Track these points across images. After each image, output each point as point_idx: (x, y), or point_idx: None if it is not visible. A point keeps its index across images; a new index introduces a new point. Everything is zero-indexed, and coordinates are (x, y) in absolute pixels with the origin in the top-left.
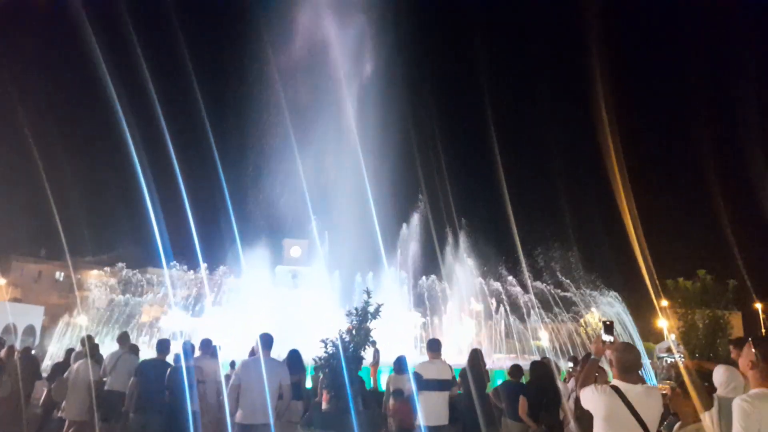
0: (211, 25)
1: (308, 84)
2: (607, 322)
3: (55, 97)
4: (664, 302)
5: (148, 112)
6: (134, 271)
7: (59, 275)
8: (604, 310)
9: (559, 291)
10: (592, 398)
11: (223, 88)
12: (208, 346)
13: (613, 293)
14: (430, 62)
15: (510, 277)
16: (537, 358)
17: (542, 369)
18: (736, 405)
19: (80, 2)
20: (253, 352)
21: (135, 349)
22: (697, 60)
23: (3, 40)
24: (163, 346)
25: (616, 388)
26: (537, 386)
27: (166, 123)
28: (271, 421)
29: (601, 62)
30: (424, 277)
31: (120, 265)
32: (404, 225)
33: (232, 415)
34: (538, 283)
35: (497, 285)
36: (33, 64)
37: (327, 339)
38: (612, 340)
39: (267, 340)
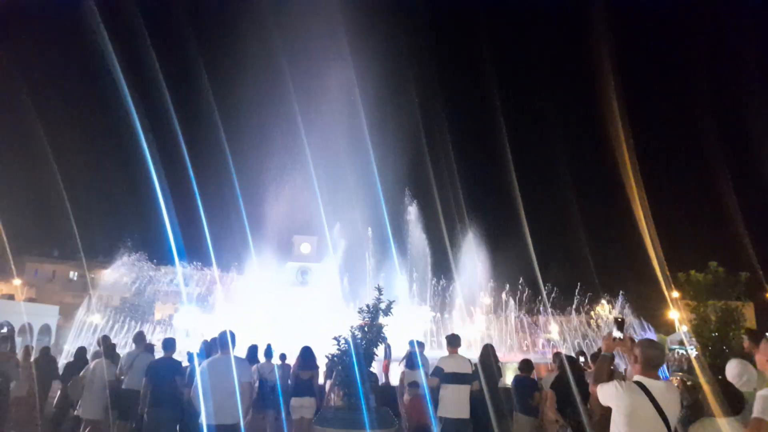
0: (223, 25)
1: (319, 82)
2: (619, 319)
3: (68, 98)
4: (675, 294)
5: (161, 112)
6: (153, 265)
7: (73, 275)
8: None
9: (569, 283)
10: (615, 394)
11: (234, 87)
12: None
13: (625, 283)
14: (439, 61)
15: (521, 270)
16: (547, 351)
17: (571, 363)
18: (761, 396)
19: (93, 1)
20: (207, 349)
21: (150, 348)
22: (707, 51)
23: (19, 41)
24: (168, 344)
25: (640, 384)
26: (566, 381)
27: (179, 121)
28: (242, 421)
29: (610, 57)
30: (431, 274)
31: (133, 256)
32: (414, 220)
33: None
34: (549, 275)
35: (507, 278)
36: (47, 64)
37: (340, 336)
38: (622, 336)
39: (225, 339)
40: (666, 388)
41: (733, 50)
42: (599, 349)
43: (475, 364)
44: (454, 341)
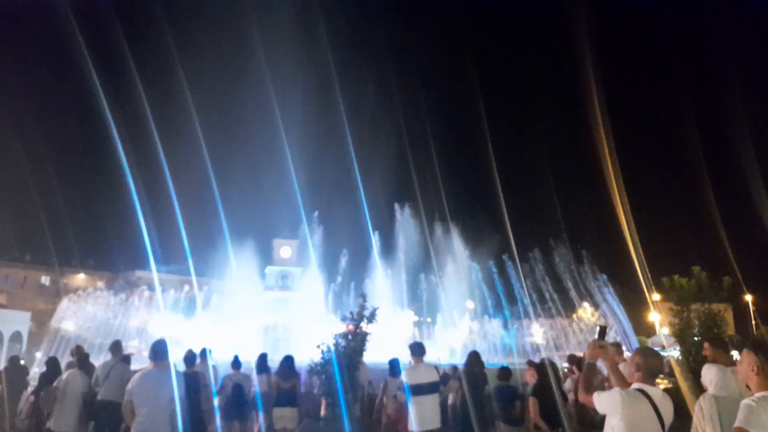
0: (204, 27)
1: (300, 84)
2: (602, 326)
3: (41, 101)
4: (656, 296)
5: (136, 113)
6: (119, 275)
7: (45, 280)
8: (599, 301)
9: (552, 286)
10: (621, 403)
11: (213, 88)
12: (203, 354)
13: (603, 277)
14: (421, 61)
15: (504, 275)
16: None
17: (553, 369)
18: (745, 405)
19: (70, 7)
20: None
21: (127, 359)
22: (690, 58)
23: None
24: (190, 359)
25: (643, 392)
26: (548, 387)
27: (156, 124)
28: None
29: (595, 62)
30: (413, 279)
31: (107, 262)
32: (397, 224)
33: None
34: (531, 280)
35: (491, 283)
36: (20, 67)
37: (323, 344)
38: (603, 344)
39: (158, 349)
40: (663, 396)
41: (715, 56)
42: (570, 356)
43: (445, 372)
44: (417, 350)
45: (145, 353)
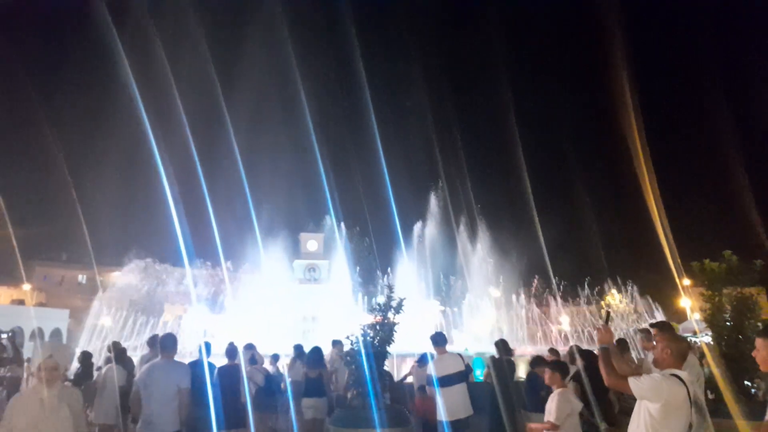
0: (233, 25)
1: (327, 79)
2: (607, 312)
3: (75, 101)
4: (686, 281)
5: (170, 112)
6: (161, 266)
7: (82, 278)
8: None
9: (580, 273)
10: (665, 388)
11: (243, 86)
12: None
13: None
14: (450, 57)
15: (530, 261)
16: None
17: (586, 356)
18: None
19: (107, 6)
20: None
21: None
22: (720, 41)
23: (33, 43)
24: (232, 352)
25: (677, 377)
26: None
27: (188, 124)
28: (182, 429)
29: (622, 47)
30: (439, 268)
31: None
32: (424, 214)
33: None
34: (558, 265)
35: (517, 270)
36: (58, 67)
37: (352, 335)
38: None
39: (166, 342)
40: (691, 381)
41: (746, 40)
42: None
43: (467, 362)
44: (439, 340)
45: (180, 348)
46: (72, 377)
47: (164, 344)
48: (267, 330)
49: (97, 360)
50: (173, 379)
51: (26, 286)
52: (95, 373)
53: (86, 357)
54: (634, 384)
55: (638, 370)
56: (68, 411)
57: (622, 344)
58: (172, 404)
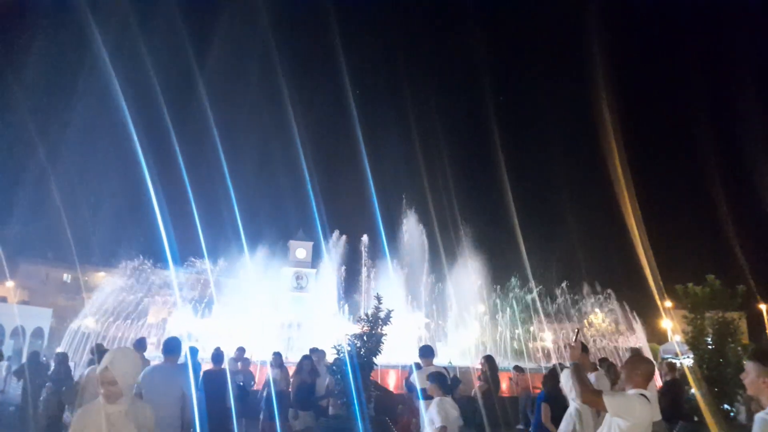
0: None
1: (314, 84)
2: (577, 329)
3: (61, 99)
4: (668, 303)
5: (154, 112)
6: (149, 266)
7: (66, 277)
8: (610, 310)
9: (564, 291)
10: (637, 407)
11: (229, 88)
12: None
13: (618, 292)
14: (435, 66)
15: (515, 278)
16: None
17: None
18: (761, 420)
19: (87, 5)
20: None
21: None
22: (703, 62)
23: (9, 39)
24: (218, 357)
25: (644, 396)
26: (559, 393)
27: (173, 124)
28: None
29: (604, 66)
30: (426, 276)
31: (127, 263)
32: (406, 226)
33: None
34: (543, 284)
35: (502, 286)
36: (38, 63)
37: (339, 345)
38: (572, 344)
39: (170, 345)
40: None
41: (731, 63)
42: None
43: (455, 375)
44: (427, 353)
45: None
46: (51, 379)
47: (168, 347)
48: (251, 336)
49: (79, 361)
50: (177, 383)
51: (9, 284)
52: (76, 375)
53: (63, 358)
54: (609, 401)
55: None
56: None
57: (606, 364)
58: (174, 408)
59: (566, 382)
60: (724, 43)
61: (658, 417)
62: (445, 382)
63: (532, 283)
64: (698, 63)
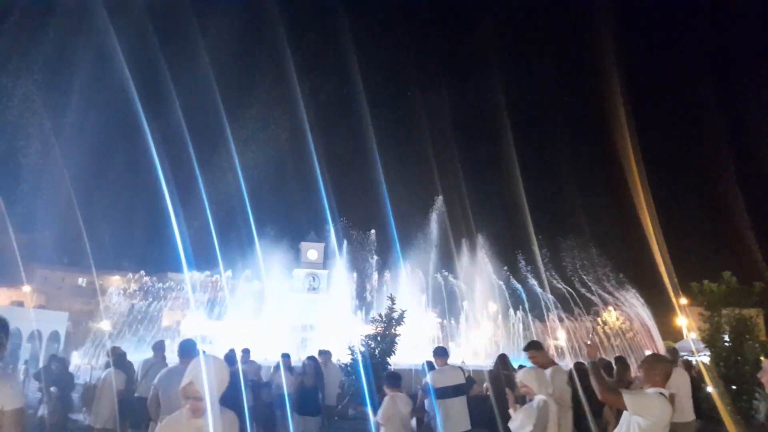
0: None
1: (326, 87)
2: (593, 327)
3: (76, 105)
4: (683, 300)
5: (170, 119)
6: (152, 277)
7: (82, 281)
8: (624, 307)
9: (577, 289)
10: (654, 404)
11: (243, 93)
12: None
13: (632, 290)
14: (448, 67)
15: (528, 277)
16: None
17: (581, 373)
18: None
19: (105, 10)
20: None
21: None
22: (718, 59)
23: (33, 47)
24: (231, 358)
25: (663, 395)
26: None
27: (187, 128)
28: None
29: (621, 63)
30: (438, 275)
31: (141, 272)
32: (421, 226)
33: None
34: (555, 282)
35: (514, 285)
36: (58, 72)
37: (353, 346)
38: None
39: (185, 348)
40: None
41: (746, 58)
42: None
43: (469, 375)
44: (441, 353)
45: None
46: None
47: (183, 349)
48: (264, 337)
49: (96, 364)
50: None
51: (26, 288)
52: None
53: (63, 363)
54: (629, 400)
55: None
56: None
57: (621, 362)
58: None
59: (529, 379)
60: (741, 37)
61: (691, 417)
62: (398, 380)
63: (546, 285)
64: (713, 58)
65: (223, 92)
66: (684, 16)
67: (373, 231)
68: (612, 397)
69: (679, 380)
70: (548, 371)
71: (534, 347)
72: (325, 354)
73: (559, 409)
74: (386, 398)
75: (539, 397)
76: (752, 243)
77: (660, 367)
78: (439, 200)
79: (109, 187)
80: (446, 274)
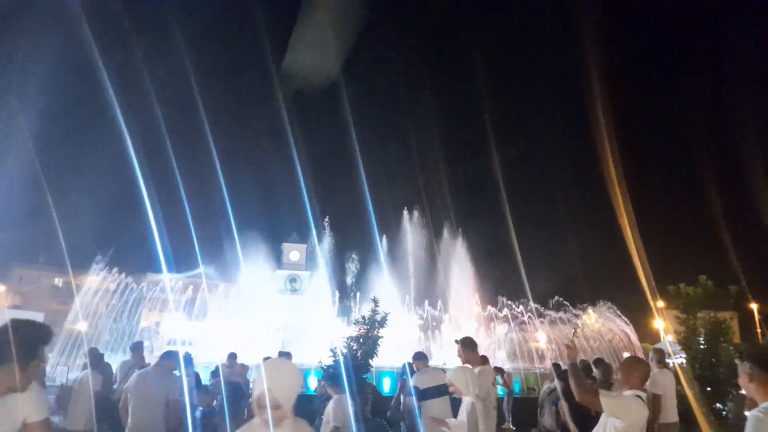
0: (216, 29)
1: (309, 91)
2: (575, 328)
3: (53, 102)
4: (660, 303)
5: (148, 115)
6: (131, 277)
7: (58, 281)
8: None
9: (556, 291)
10: (634, 408)
11: (223, 90)
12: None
13: (608, 304)
14: (432, 70)
15: (509, 278)
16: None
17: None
18: (753, 417)
19: (82, 6)
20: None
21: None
22: (695, 63)
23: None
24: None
25: (640, 398)
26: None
27: (165, 124)
28: None
29: (598, 67)
30: (421, 279)
31: (118, 272)
32: (404, 228)
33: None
34: (536, 283)
35: (495, 288)
36: (30, 65)
37: (335, 347)
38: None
39: (170, 355)
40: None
41: (723, 63)
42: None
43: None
44: (421, 356)
45: (156, 354)
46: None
47: (166, 355)
48: (245, 339)
49: (72, 365)
50: (162, 390)
51: (1, 288)
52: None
53: None
54: (605, 401)
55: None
56: None
57: (603, 364)
58: (157, 413)
59: (458, 379)
60: (721, 42)
61: (675, 418)
62: (339, 380)
63: (528, 290)
64: (693, 63)
65: (204, 92)
66: (668, 18)
67: (356, 233)
68: (589, 398)
69: (667, 382)
70: (476, 370)
71: (464, 344)
72: (286, 356)
73: (484, 408)
74: (334, 401)
75: (467, 400)
76: (728, 247)
77: (639, 369)
78: (424, 203)
79: (87, 186)
80: (428, 275)
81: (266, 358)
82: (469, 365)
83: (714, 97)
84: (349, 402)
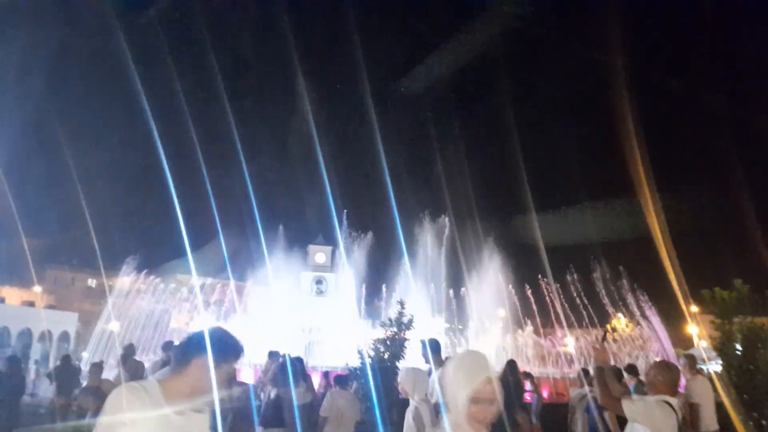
0: (244, 38)
1: (334, 86)
2: (605, 331)
3: (88, 108)
4: (694, 308)
5: (178, 120)
6: (161, 279)
7: (91, 282)
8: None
9: (586, 295)
10: (654, 412)
11: (252, 97)
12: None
13: (638, 288)
14: (454, 73)
15: (538, 285)
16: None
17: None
18: None
19: (118, 8)
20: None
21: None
22: (728, 61)
23: (42, 44)
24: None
25: (669, 403)
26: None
27: (196, 132)
28: None
29: (627, 65)
30: (445, 286)
31: (148, 274)
32: (429, 232)
33: None
34: (564, 290)
35: (524, 291)
36: (67, 73)
37: (362, 349)
38: (601, 347)
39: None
40: (678, 406)
41: (756, 56)
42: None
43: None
44: (436, 348)
45: None
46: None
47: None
48: (272, 341)
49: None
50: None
51: (37, 288)
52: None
53: (66, 361)
54: (628, 406)
55: (626, 394)
56: None
57: (631, 370)
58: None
59: (406, 380)
60: (753, 39)
61: (715, 427)
62: (344, 381)
63: (555, 291)
64: (721, 60)
65: (233, 99)
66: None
67: (382, 236)
68: (612, 402)
69: (702, 389)
70: (437, 373)
71: (431, 347)
72: (275, 356)
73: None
74: (327, 394)
75: (412, 403)
76: (764, 251)
77: (665, 374)
78: (448, 207)
79: (119, 191)
80: (455, 280)
81: (272, 352)
82: (423, 368)
83: (747, 95)
84: (350, 399)
